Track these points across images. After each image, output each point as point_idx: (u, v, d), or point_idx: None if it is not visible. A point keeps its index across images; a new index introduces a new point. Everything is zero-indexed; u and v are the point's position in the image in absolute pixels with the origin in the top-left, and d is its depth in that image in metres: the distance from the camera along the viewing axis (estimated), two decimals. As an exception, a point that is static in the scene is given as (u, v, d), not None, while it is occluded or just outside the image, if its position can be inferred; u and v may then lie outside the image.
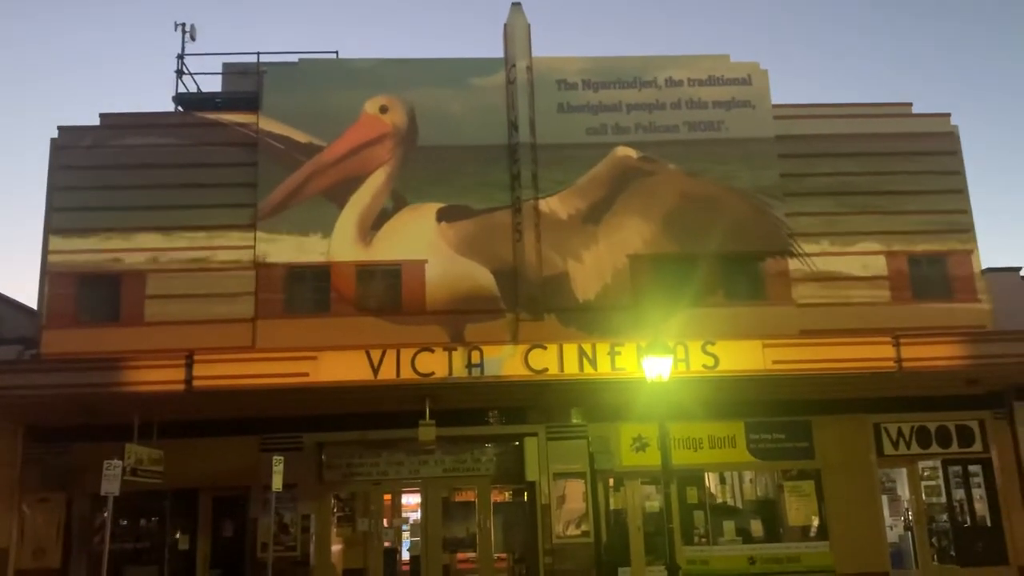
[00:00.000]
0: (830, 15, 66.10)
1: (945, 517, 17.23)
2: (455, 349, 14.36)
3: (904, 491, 17.93)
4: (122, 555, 15.84)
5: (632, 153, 17.87)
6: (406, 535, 17.64)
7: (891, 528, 17.59)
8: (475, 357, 14.23)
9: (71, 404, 14.39)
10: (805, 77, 65.42)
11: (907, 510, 17.72)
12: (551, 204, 17.48)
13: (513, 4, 18.40)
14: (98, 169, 17.22)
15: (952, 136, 18.65)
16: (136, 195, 17.08)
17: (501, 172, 17.57)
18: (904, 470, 17.69)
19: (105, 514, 13.08)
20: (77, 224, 16.93)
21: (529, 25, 18.22)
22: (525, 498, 16.99)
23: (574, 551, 16.00)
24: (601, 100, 18.18)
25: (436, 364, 14.15)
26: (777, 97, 18.49)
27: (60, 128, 17.45)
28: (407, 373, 14.06)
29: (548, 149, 17.65)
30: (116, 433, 14.59)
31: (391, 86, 17.83)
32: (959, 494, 17.25)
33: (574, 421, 16.72)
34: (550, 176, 17.55)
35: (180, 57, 19.03)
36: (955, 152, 18.57)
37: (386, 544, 17.03)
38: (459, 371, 14.16)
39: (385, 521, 17.22)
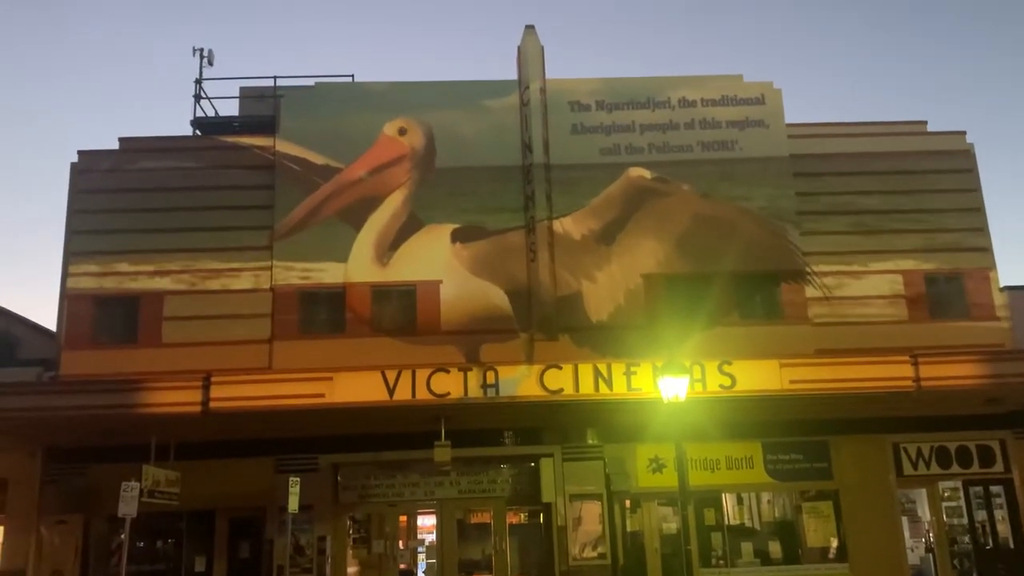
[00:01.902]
0: (844, 34, 66.21)
1: (967, 539, 17.01)
2: (470, 369, 14.37)
3: (924, 512, 17.72)
4: (139, 577, 15.86)
5: (646, 174, 17.91)
6: (422, 557, 17.59)
7: (912, 550, 17.37)
8: (490, 377, 14.23)
9: (89, 425, 14.48)
10: (819, 96, 65.45)
11: (928, 531, 17.51)
12: (565, 224, 17.52)
13: (526, 27, 18.53)
14: (117, 192, 17.42)
15: (968, 154, 18.60)
16: (154, 218, 17.26)
17: (515, 193, 17.64)
18: (924, 491, 17.49)
19: (122, 536, 13.10)
20: (96, 247, 17.11)
21: (543, 47, 18.34)
22: (541, 520, 16.93)
23: (591, 573, 15.88)
24: (614, 121, 18.26)
25: (451, 385, 14.16)
26: (791, 116, 18.55)
27: (80, 152, 17.69)
28: (422, 394, 14.07)
29: (562, 170, 17.72)
30: (133, 454, 14.66)
31: (406, 109, 17.98)
32: (981, 515, 17.05)
33: (590, 442, 16.66)
34: (564, 197, 17.61)
35: (198, 82, 19.24)
36: (971, 170, 18.51)
37: (402, 566, 16.99)
38: (474, 391, 14.15)
39: (401, 543, 17.20)
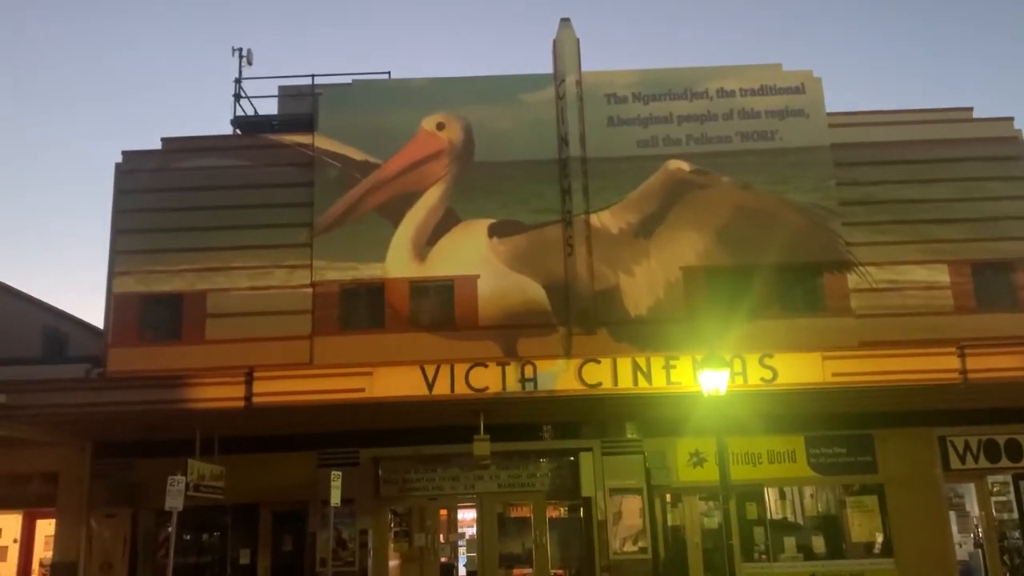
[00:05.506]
0: (885, 21, 64.97)
1: (1017, 534, 16.65)
2: (508, 364, 14.34)
3: (973, 507, 17.36)
4: (185, 569, 16.10)
5: (684, 166, 17.74)
6: (462, 550, 17.67)
7: (960, 545, 17.02)
8: (528, 372, 14.19)
9: (136, 420, 14.74)
10: (861, 84, 64.32)
11: (977, 527, 17.17)
12: (602, 218, 17.43)
13: (562, 20, 18.42)
14: (160, 192, 17.72)
15: (1017, 141, 18.13)
16: (197, 216, 17.52)
17: (552, 187, 17.59)
18: (972, 485, 17.14)
19: (169, 529, 13.34)
20: (141, 245, 17.42)
21: (578, 40, 18.22)
22: (581, 514, 16.90)
23: (631, 567, 15.83)
24: (652, 112, 18.09)
25: (490, 379, 14.15)
26: (831, 105, 18.23)
27: (124, 153, 18.00)
28: (461, 388, 14.09)
29: (599, 163, 17.61)
30: (178, 449, 14.92)
31: (443, 104, 18.00)
32: (1031, 510, 16.66)
33: (629, 436, 16.58)
34: (601, 190, 17.51)
35: (238, 81, 19.44)
36: (1019, 157, 18.04)
37: (443, 560, 17.08)
38: (513, 386, 14.13)
39: (441, 536, 17.28)
